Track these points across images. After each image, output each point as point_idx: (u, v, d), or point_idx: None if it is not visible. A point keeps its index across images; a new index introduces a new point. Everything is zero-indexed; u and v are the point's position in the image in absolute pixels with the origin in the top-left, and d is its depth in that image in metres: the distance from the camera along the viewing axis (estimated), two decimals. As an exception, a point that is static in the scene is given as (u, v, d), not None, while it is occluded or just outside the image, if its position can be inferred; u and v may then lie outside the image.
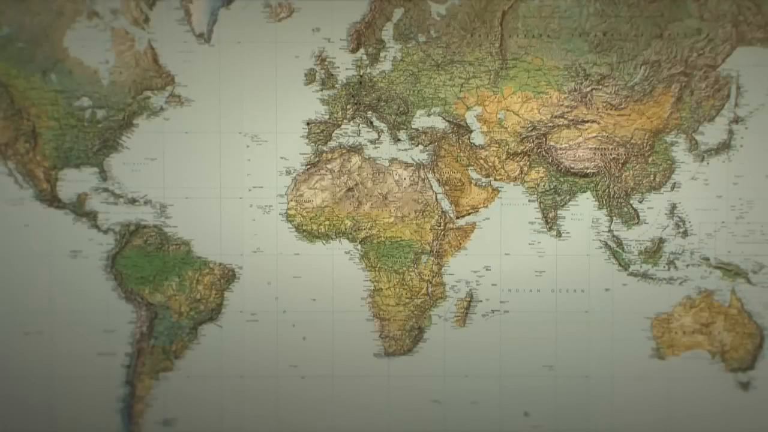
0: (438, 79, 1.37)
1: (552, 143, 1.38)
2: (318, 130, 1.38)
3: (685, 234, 1.38)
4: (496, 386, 1.39)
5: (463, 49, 1.37)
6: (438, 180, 1.38)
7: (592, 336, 1.38)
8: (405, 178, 1.39)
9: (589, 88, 1.37)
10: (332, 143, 1.38)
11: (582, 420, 1.38)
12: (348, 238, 1.38)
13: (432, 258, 1.38)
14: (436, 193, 1.38)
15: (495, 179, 1.38)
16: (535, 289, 1.38)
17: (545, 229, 1.38)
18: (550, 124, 1.38)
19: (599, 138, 1.37)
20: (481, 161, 1.38)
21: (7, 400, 1.38)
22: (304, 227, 1.38)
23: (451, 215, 1.38)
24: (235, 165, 1.38)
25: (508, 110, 1.37)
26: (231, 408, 1.39)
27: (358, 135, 1.38)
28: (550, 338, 1.38)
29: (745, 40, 1.36)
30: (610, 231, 1.38)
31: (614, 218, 1.38)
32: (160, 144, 1.38)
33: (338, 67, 1.37)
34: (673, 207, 1.38)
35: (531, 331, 1.37)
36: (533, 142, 1.38)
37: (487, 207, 1.38)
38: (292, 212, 1.39)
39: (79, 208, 1.38)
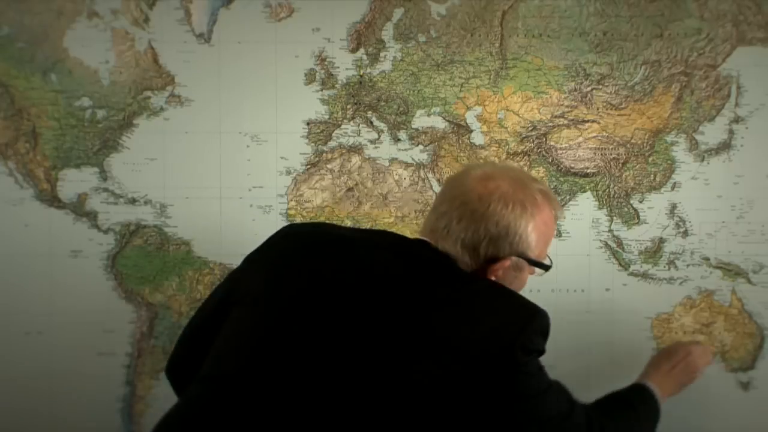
0: (438, 79, 1.37)
1: (552, 143, 1.38)
2: (318, 130, 1.38)
3: (685, 234, 1.38)
4: (496, 386, 1.39)
5: (463, 49, 1.37)
6: (438, 180, 1.38)
7: (592, 336, 1.38)
8: (405, 178, 1.38)
9: (589, 88, 1.37)
10: (332, 143, 1.38)
11: (582, 420, 1.38)
12: (348, 238, 1.38)
13: (432, 258, 1.38)
14: (436, 193, 1.38)
15: (495, 179, 1.38)
16: (535, 289, 1.38)
17: (545, 230, 1.38)
18: (550, 124, 1.38)
19: (599, 138, 1.37)
20: (481, 161, 1.38)
21: (7, 400, 1.38)
22: (304, 227, 1.38)
23: (451, 215, 1.38)
24: (235, 165, 1.38)
25: (508, 110, 1.37)
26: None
27: (358, 135, 1.38)
28: (550, 338, 1.38)
29: (746, 40, 1.36)
30: (610, 231, 1.38)
31: (614, 218, 1.38)
32: (160, 144, 1.37)
33: (338, 67, 1.37)
34: (674, 207, 1.38)
35: (531, 331, 1.37)
36: (533, 142, 1.38)
37: (487, 207, 1.38)
38: (292, 212, 1.39)
39: (79, 208, 1.38)
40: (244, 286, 0.99)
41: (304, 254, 0.98)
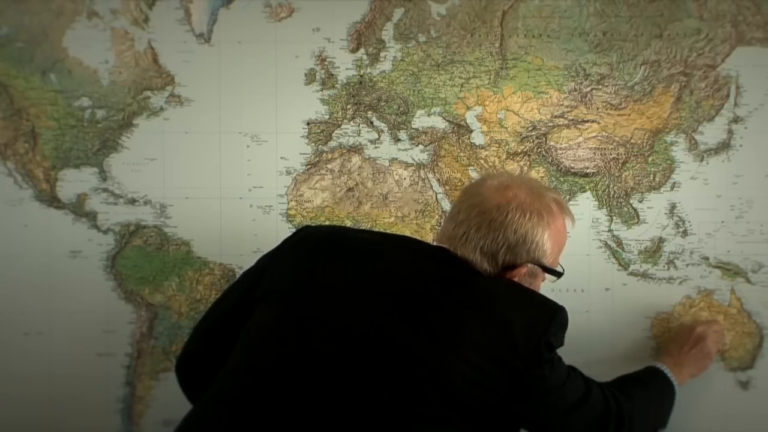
0: (438, 79, 1.37)
1: (552, 143, 1.38)
2: (318, 130, 1.38)
3: (684, 233, 1.38)
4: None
5: (463, 49, 1.37)
6: (438, 180, 1.38)
7: (592, 336, 1.38)
8: (405, 178, 1.38)
9: (589, 88, 1.37)
10: (332, 143, 1.38)
11: (582, 419, 1.38)
12: (348, 238, 1.38)
13: (432, 258, 1.38)
14: (436, 193, 1.38)
15: (495, 179, 1.38)
16: (535, 288, 1.38)
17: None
18: (550, 124, 1.38)
19: (599, 138, 1.37)
20: (482, 161, 1.38)
21: (7, 400, 1.37)
22: (304, 227, 1.38)
23: (451, 215, 1.38)
24: (235, 165, 1.38)
25: (508, 110, 1.37)
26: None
27: (358, 135, 1.38)
28: (550, 338, 1.38)
29: (745, 40, 1.36)
30: (610, 231, 1.38)
31: (614, 218, 1.38)
32: (160, 144, 1.37)
33: (338, 67, 1.37)
34: (673, 207, 1.38)
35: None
36: (533, 142, 1.38)
37: (487, 207, 1.38)
38: (292, 212, 1.39)
39: (79, 208, 1.37)
40: (269, 284, 1.02)
41: (331, 254, 1.01)
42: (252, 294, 1.02)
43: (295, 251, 1.04)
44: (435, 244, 1.06)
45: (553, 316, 0.94)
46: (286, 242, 1.08)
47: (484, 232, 0.98)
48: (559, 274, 1.06)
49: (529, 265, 1.00)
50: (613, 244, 1.38)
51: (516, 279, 1.00)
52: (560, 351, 0.99)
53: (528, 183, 1.06)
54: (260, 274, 1.05)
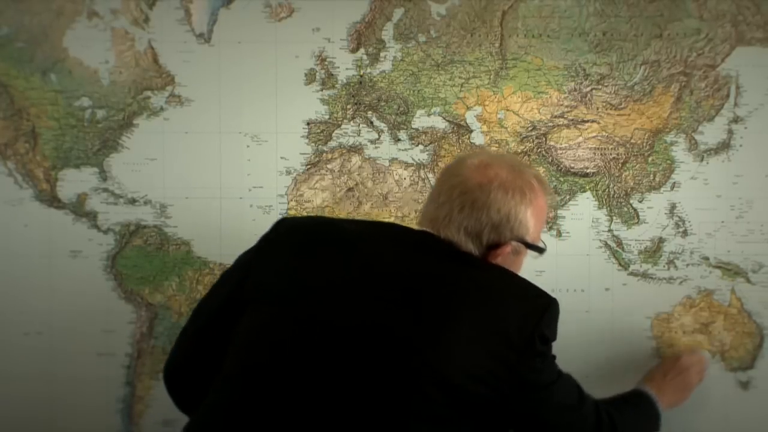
0: (438, 79, 1.37)
1: (552, 143, 1.38)
2: (318, 130, 1.38)
3: (684, 233, 1.38)
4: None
5: (463, 49, 1.37)
6: (438, 180, 1.38)
7: (592, 336, 1.38)
8: (405, 178, 1.39)
9: (589, 88, 1.37)
10: (332, 143, 1.38)
11: (582, 420, 1.38)
12: (348, 238, 1.38)
13: (432, 258, 1.38)
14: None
15: (495, 179, 1.38)
16: (535, 288, 1.38)
17: (545, 229, 1.38)
18: (550, 124, 1.38)
19: (599, 138, 1.37)
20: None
21: (7, 400, 1.37)
22: (304, 227, 1.38)
23: (451, 215, 1.38)
24: (235, 165, 1.38)
25: (508, 110, 1.37)
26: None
27: (358, 135, 1.38)
28: (550, 338, 1.38)
29: (745, 40, 1.36)
30: (610, 231, 1.38)
31: (614, 218, 1.38)
32: (160, 144, 1.37)
33: (338, 67, 1.37)
34: (673, 207, 1.38)
35: (531, 330, 1.37)
36: (533, 141, 1.38)
37: (487, 207, 1.38)
38: (292, 212, 1.39)
39: (79, 208, 1.37)
40: (257, 283, 1.00)
41: (317, 248, 0.99)
42: (240, 294, 1.00)
43: (279, 247, 1.02)
44: (417, 227, 1.05)
45: (547, 308, 0.93)
46: (266, 238, 1.05)
47: (467, 212, 0.97)
48: (541, 250, 1.05)
49: (513, 243, 1.00)
50: (613, 244, 1.38)
51: (500, 257, 0.99)
52: (561, 351, 0.98)
53: (508, 161, 1.05)
54: (245, 272, 1.02)
